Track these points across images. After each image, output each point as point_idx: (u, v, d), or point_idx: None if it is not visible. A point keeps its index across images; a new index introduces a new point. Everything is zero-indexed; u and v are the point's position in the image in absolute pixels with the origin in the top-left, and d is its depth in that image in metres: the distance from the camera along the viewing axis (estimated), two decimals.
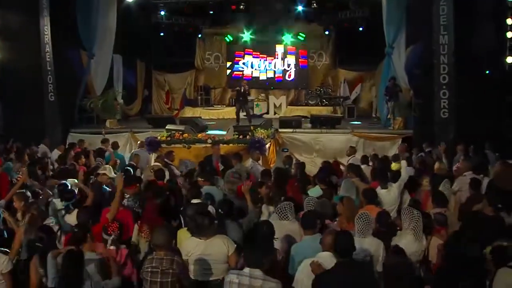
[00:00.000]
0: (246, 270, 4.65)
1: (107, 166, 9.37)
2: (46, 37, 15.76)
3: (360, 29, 21.72)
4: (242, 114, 17.64)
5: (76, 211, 6.91)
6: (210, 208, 6.58)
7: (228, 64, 24.48)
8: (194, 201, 7.17)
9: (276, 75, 24.15)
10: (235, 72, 24.22)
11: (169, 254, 4.83)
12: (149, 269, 4.73)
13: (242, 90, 17.36)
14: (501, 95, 14.27)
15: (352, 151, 12.66)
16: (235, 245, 5.49)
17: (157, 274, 4.69)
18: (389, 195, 7.93)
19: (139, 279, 5.34)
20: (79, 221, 6.32)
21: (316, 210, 6.46)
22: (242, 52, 24.25)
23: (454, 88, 13.56)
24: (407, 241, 5.72)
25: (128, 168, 10.32)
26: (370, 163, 11.18)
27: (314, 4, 21.24)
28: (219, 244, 5.42)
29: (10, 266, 5.49)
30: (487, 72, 14.64)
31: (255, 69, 24.27)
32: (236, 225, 6.38)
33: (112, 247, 5.88)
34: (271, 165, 13.09)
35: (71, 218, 6.89)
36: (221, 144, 12.78)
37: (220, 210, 6.60)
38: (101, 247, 5.82)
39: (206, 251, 5.38)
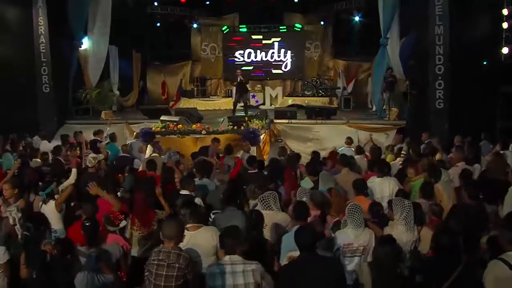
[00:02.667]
0: (226, 258, 4.69)
1: (90, 156, 9.33)
2: (41, 28, 15.70)
3: (357, 19, 21.69)
4: (239, 105, 17.62)
5: (52, 202, 6.90)
6: (197, 200, 6.57)
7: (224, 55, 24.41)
8: (183, 192, 7.18)
9: (272, 66, 24.07)
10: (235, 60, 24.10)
11: (176, 248, 4.79)
12: (155, 262, 4.68)
13: (239, 80, 17.35)
14: (496, 85, 14.25)
15: (349, 141, 12.63)
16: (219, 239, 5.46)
17: (163, 267, 4.63)
18: (383, 183, 7.93)
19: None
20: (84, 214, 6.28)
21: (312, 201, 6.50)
22: (238, 43, 24.13)
23: (449, 79, 13.54)
24: (399, 231, 5.71)
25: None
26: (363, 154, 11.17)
27: None
28: (206, 236, 5.39)
29: (7, 257, 5.46)
30: (484, 62, 14.63)
31: (251, 60, 24.15)
32: (239, 213, 6.35)
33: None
34: (265, 156, 13.09)
35: (47, 208, 6.88)
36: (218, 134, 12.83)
37: (223, 198, 6.56)
38: (118, 238, 5.78)
39: (193, 243, 5.33)
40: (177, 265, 4.64)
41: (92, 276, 4.83)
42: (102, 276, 4.89)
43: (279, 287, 4.67)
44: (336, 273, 4.60)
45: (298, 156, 10.64)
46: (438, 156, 9.75)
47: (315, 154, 10.69)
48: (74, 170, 8.24)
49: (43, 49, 15.82)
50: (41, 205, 7.02)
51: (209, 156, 10.61)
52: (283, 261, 5.22)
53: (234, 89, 19.07)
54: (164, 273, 4.62)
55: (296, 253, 4.82)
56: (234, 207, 6.34)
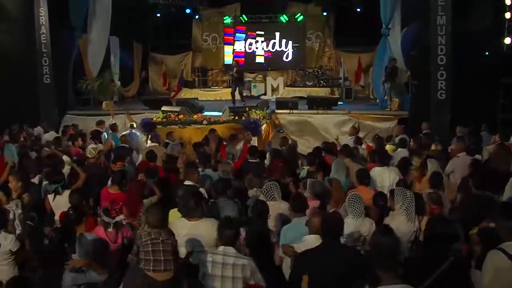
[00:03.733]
0: (221, 248, 4.77)
1: (90, 147, 9.37)
2: (42, 19, 15.66)
3: (358, 10, 21.60)
4: (237, 96, 17.65)
5: (66, 192, 6.92)
6: (202, 190, 6.58)
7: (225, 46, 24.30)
8: (187, 182, 7.19)
9: (273, 56, 23.98)
10: (235, 51, 23.98)
11: (164, 229, 4.91)
12: (149, 241, 4.75)
13: (234, 71, 17.41)
14: (498, 76, 14.21)
15: (354, 131, 12.61)
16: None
17: (159, 244, 4.74)
18: (384, 172, 7.93)
19: None
20: (72, 203, 6.33)
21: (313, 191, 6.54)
22: (240, 33, 24.03)
23: (451, 69, 13.50)
24: (399, 222, 5.72)
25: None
26: (363, 145, 11.16)
27: None
28: (207, 226, 5.41)
29: (18, 244, 5.58)
30: (486, 53, 14.59)
31: (252, 50, 24.08)
32: (231, 203, 6.38)
33: (111, 230, 5.89)
34: None
35: (62, 200, 6.89)
36: (219, 124, 12.87)
37: (214, 190, 6.60)
38: (101, 231, 5.83)
39: (194, 233, 5.37)
40: (170, 241, 4.79)
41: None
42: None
43: (298, 272, 4.64)
44: (357, 261, 4.61)
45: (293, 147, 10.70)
46: (433, 147, 9.73)
47: (324, 144, 10.75)
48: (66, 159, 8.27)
49: (44, 40, 15.78)
50: (54, 197, 7.06)
51: (209, 147, 10.64)
52: (280, 252, 5.23)
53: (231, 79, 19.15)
54: (161, 248, 4.72)
55: (298, 246, 4.85)
56: (226, 197, 6.39)
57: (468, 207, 6.13)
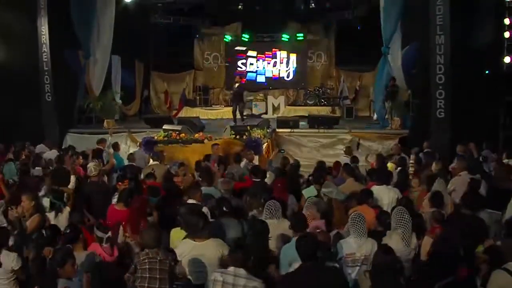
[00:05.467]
0: (231, 268, 4.75)
1: (90, 164, 9.36)
2: (43, 37, 15.75)
3: (359, 28, 21.72)
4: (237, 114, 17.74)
5: (66, 210, 6.94)
6: (205, 209, 6.58)
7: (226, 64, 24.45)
8: (190, 201, 7.18)
9: (274, 75, 24.12)
10: (238, 69, 24.10)
11: (161, 249, 5.00)
12: (146, 260, 4.84)
13: (236, 87, 17.59)
14: (499, 95, 14.28)
15: (349, 151, 12.65)
16: (229, 249, 5.45)
17: (156, 263, 4.82)
18: (382, 192, 7.92)
19: None
20: (71, 221, 6.34)
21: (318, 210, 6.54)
22: (241, 53, 24.21)
23: (450, 88, 13.55)
24: (396, 241, 5.72)
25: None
26: (361, 163, 11.20)
27: (313, 4, 21.26)
28: (212, 247, 5.41)
29: (20, 263, 5.58)
30: (487, 72, 14.67)
31: (254, 69, 24.23)
32: (236, 223, 6.36)
33: (106, 245, 5.90)
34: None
35: (63, 217, 6.91)
36: (219, 139, 12.98)
37: (218, 208, 6.58)
38: (97, 247, 5.83)
39: (199, 254, 5.37)
40: (167, 261, 4.89)
41: None
42: None
43: None
44: (338, 282, 4.61)
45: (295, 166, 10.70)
46: (434, 166, 9.74)
47: (320, 163, 10.74)
48: (72, 177, 8.32)
49: (45, 58, 15.86)
50: (56, 215, 7.08)
51: (211, 163, 10.65)
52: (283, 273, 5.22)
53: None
54: (157, 267, 4.81)
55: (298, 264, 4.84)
56: (230, 217, 6.38)
57: (454, 226, 6.12)
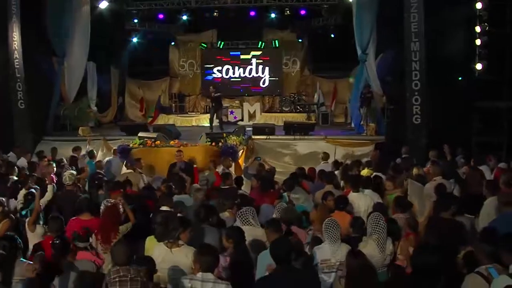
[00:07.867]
0: (199, 274, 4.71)
1: (65, 173, 9.20)
2: (15, 44, 15.49)
3: (333, 36, 21.93)
4: (216, 121, 17.67)
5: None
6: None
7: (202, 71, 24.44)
8: (163, 208, 7.12)
9: (250, 82, 24.15)
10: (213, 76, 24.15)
11: (133, 265, 4.82)
12: (117, 279, 4.67)
13: (212, 96, 17.57)
14: (472, 100, 14.48)
15: (326, 156, 12.68)
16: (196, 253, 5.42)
17: (127, 282, 4.65)
18: (359, 199, 7.95)
19: None
20: (52, 230, 6.23)
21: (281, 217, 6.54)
22: (216, 59, 24.21)
23: (425, 94, 13.70)
24: (372, 247, 5.73)
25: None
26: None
27: (287, 12, 21.35)
28: (185, 254, 5.38)
29: None
30: (460, 78, 14.88)
31: (229, 76, 24.23)
32: (215, 231, 6.31)
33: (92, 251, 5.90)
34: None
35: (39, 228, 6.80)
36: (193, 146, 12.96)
37: (197, 215, 6.53)
38: (86, 255, 5.74)
39: (174, 260, 5.35)
40: (139, 278, 4.69)
41: None
42: None
43: None
44: (311, 286, 4.59)
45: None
46: (415, 171, 9.83)
47: (299, 169, 10.77)
48: (50, 187, 8.16)
49: (17, 65, 15.58)
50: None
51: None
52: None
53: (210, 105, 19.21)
54: (128, 287, 4.64)
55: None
56: (207, 224, 6.34)
57: (434, 232, 6.14)
